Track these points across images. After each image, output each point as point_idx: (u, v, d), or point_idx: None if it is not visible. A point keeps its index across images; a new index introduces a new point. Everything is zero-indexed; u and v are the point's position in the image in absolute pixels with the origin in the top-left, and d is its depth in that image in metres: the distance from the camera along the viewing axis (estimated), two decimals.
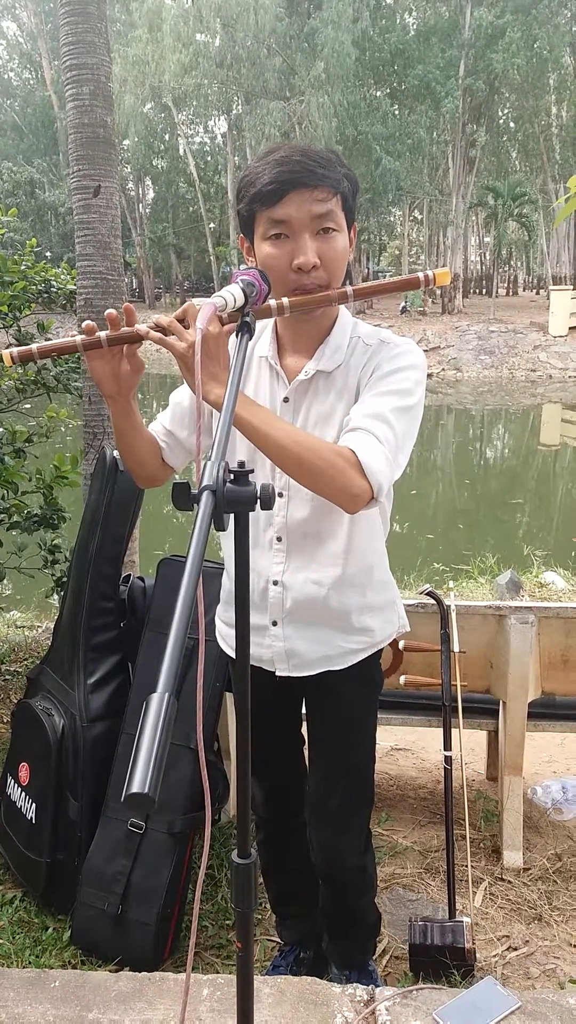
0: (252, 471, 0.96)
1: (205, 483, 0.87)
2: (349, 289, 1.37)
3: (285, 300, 1.35)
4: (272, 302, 1.34)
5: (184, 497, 0.89)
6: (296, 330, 1.55)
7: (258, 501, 0.95)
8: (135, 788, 0.58)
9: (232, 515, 1.01)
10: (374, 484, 1.34)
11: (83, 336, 1.31)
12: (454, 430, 19.54)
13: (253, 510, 0.95)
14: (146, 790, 0.58)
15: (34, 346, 1.32)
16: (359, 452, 1.34)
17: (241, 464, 0.97)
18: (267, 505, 0.95)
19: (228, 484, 0.92)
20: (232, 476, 0.94)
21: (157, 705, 0.64)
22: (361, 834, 1.87)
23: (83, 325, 1.32)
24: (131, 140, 38.22)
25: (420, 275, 1.34)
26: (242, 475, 0.95)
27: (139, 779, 0.59)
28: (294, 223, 1.38)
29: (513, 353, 27.92)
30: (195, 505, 0.87)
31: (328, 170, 1.38)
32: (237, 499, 0.93)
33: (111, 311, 1.31)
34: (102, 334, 1.31)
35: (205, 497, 0.86)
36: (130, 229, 40.97)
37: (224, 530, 0.90)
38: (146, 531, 3.84)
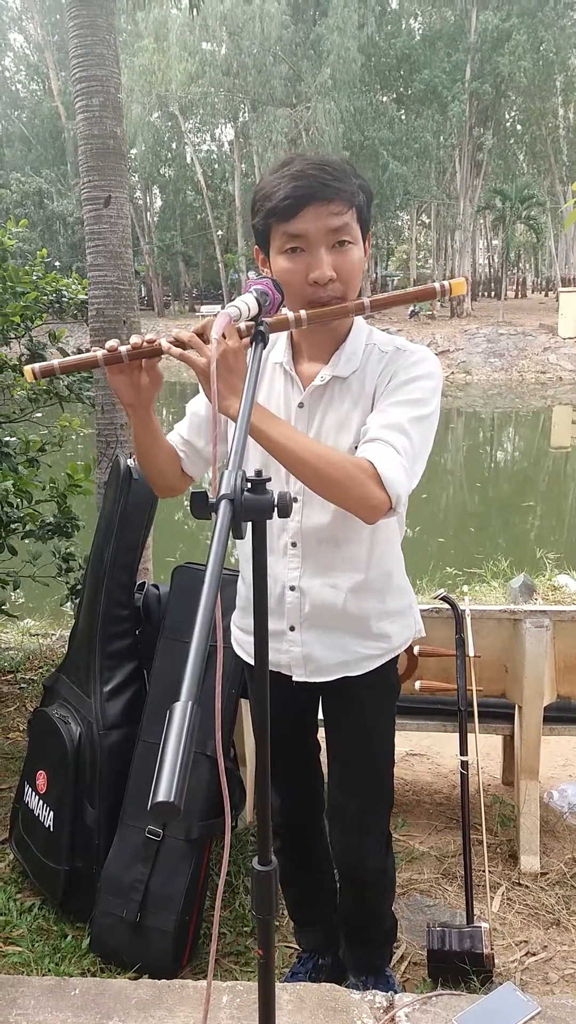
0: (269, 479, 0.97)
1: (223, 492, 0.88)
2: (366, 300, 1.38)
3: (303, 313, 1.36)
4: (290, 315, 1.35)
5: (202, 506, 0.90)
6: (312, 337, 1.55)
7: (275, 509, 0.95)
8: (161, 797, 0.59)
9: (250, 523, 1.01)
10: (392, 495, 1.35)
11: (104, 351, 1.32)
12: (464, 433, 19.52)
13: (271, 518, 0.95)
14: (171, 799, 0.59)
15: (56, 362, 1.33)
16: (377, 463, 1.35)
17: (258, 473, 0.97)
18: (284, 513, 0.96)
19: (245, 493, 0.92)
20: (249, 485, 0.94)
21: (181, 713, 0.65)
22: (381, 836, 1.87)
23: (107, 344, 1.33)
24: (138, 149, 38.45)
25: (436, 285, 1.35)
26: (259, 484, 0.95)
27: (164, 788, 0.59)
28: (310, 237, 1.39)
29: (523, 356, 27.88)
30: (213, 514, 0.88)
31: (343, 183, 1.39)
32: (255, 507, 0.94)
33: (136, 339, 1.33)
34: (122, 348, 1.32)
35: (223, 506, 0.87)
36: (138, 238, 41.18)
37: (242, 538, 0.91)
38: (157, 539, 3.86)
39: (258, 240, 1.49)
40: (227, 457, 1.41)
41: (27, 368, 1.33)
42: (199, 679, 0.69)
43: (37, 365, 1.34)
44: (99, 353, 1.32)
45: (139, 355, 1.33)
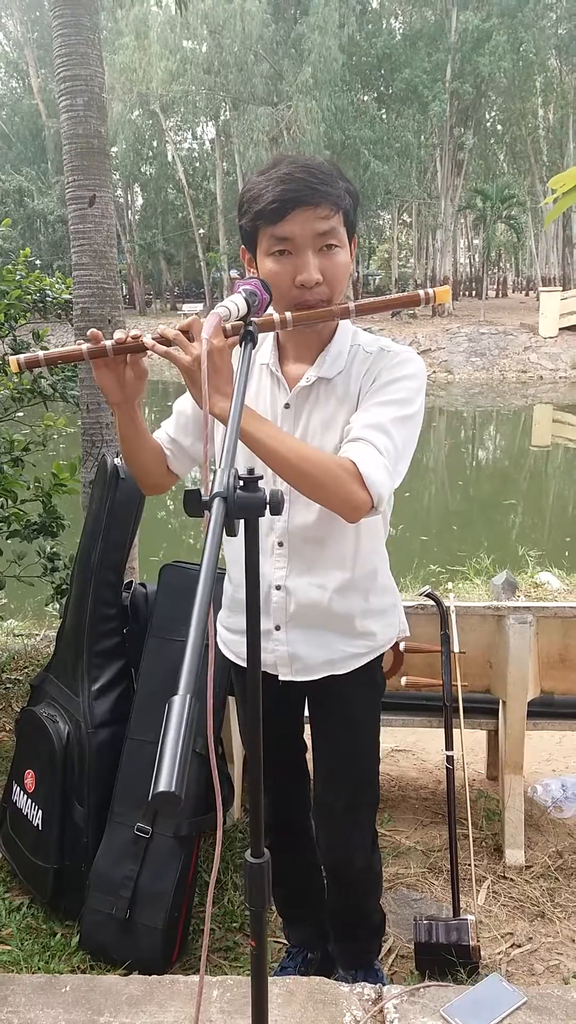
0: (261, 477, 0.99)
1: (216, 490, 0.89)
2: (351, 305, 1.39)
3: (288, 315, 1.37)
4: (276, 316, 1.36)
5: (195, 504, 0.92)
6: (298, 338, 1.57)
7: (267, 507, 0.97)
8: (162, 787, 0.60)
9: (242, 521, 1.03)
10: (374, 494, 1.37)
11: (89, 344, 1.33)
12: (446, 432, 19.59)
13: (263, 515, 0.97)
14: (172, 788, 0.60)
15: (41, 353, 1.34)
16: (359, 463, 1.37)
17: (249, 471, 0.99)
18: (276, 511, 0.97)
19: (238, 491, 0.94)
20: (242, 483, 0.96)
21: (179, 706, 0.66)
22: (368, 834, 1.89)
23: (89, 333, 1.34)
24: (119, 147, 38.25)
25: (421, 293, 1.38)
26: (251, 481, 0.97)
27: (165, 778, 0.61)
28: (297, 240, 1.41)
29: (504, 355, 28.01)
30: (206, 512, 0.89)
31: (331, 187, 1.40)
32: (247, 505, 0.95)
33: (120, 334, 1.34)
34: (107, 343, 1.33)
35: (217, 504, 0.88)
36: (119, 236, 40.93)
37: (235, 535, 0.92)
38: (140, 538, 3.86)
39: (245, 240, 1.50)
40: (213, 456, 1.42)
41: (12, 359, 1.34)
42: (196, 673, 0.70)
43: (23, 356, 1.34)
44: (84, 346, 1.33)
45: (124, 350, 1.34)
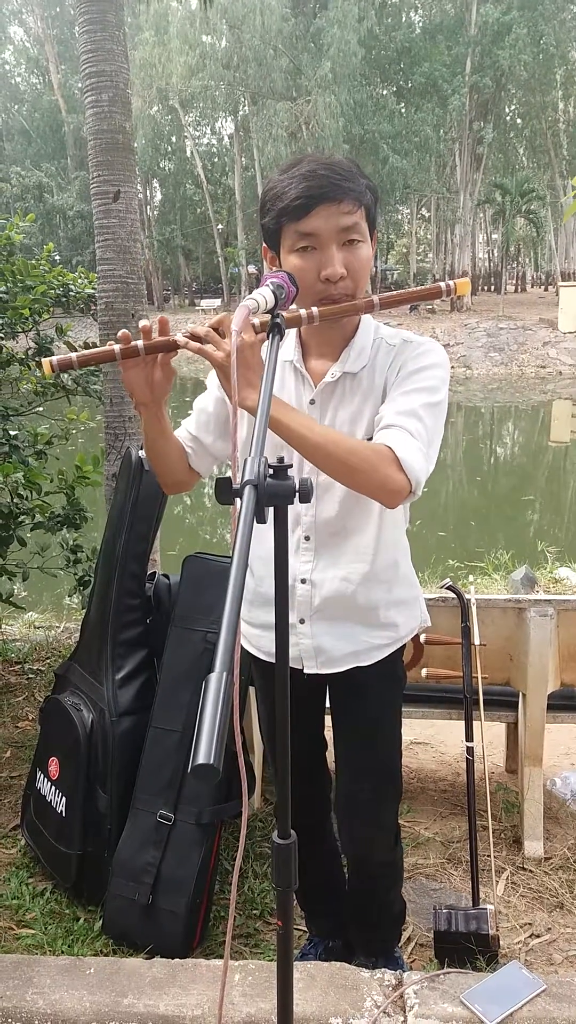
0: (291, 465, 1.00)
1: (247, 478, 0.91)
2: (376, 298, 1.41)
3: (315, 310, 1.39)
4: (302, 312, 1.38)
5: (226, 492, 0.94)
6: (321, 335, 1.58)
7: (297, 494, 0.98)
8: (201, 759, 0.62)
9: (272, 509, 1.05)
10: (412, 478, 1.38)
11: (120, 345, 1.35)
12: (464, 427, 19.55)
13: (292, 503, 0.99)
14: (211, 761, 0.62)
15: (74, 355, 1.36)
16: (396, 448, 1.38)
17: (279, 460, 1.01)
18: (306, 498, 0.99)
19: (268, 479, 0.96)
20: (272, 471, 0.98)
21: (216, 683, 0.68)
22: (391, 828, 1.90)
23: (120, 334, 1.36)
24: (138, 143, 38.34)
25: (442, 285, 1.38)
26: (281, 470, 0.99)
27: (204, 750, 0.63)
28: (321, 236, 1.42)
29: (522, 350, 27.88)
30: (237, 499, 0.91)
31: (353, 183, 1.42)
32: (277, 493, 0.97)
33: (145, 323, 1.36)
34: (139, 343, 1.34)
35: (247, 491, 0.90)
36: (140, 231, 41.11)
37: (264, 522, 0.94)
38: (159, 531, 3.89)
39: (267, 239, 1.52)
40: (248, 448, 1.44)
41: (45, 361, 1.35)
42: (231, 652, 0.72)
43: (55, 358, 1.35)
44: (116, 347, 1.35)
45: (155, 349, 1.36)
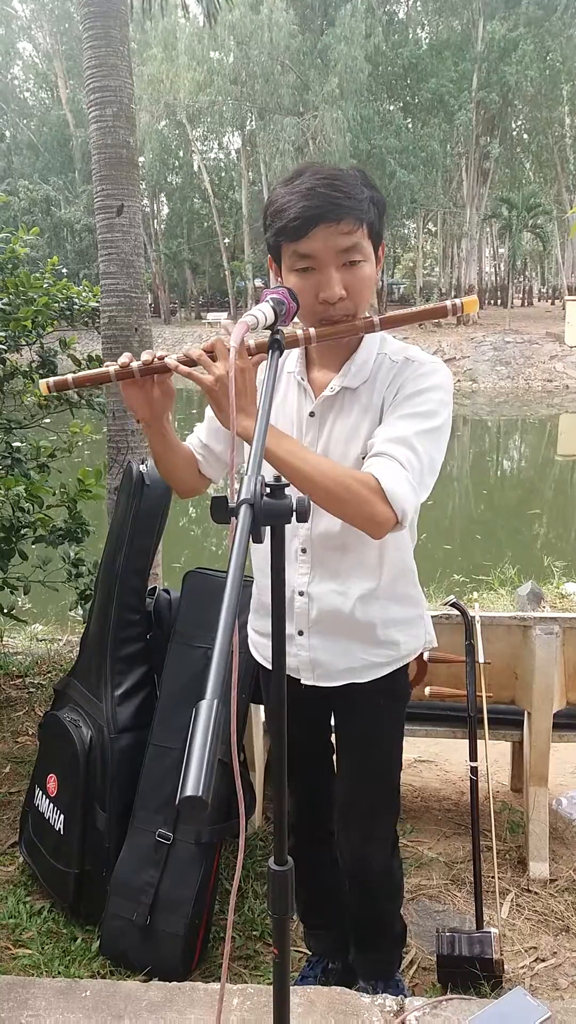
0: (288, 484, 0.99)
1: (243, 497, 0.89)
2: (376, 319, 1.39)
3: (312, 331, 1.38)
4: (300, 332, 1.37)
5: (222, 511, 0.92)
6: (324, 347, 1.57)
7: (294, 514, 0.97)
8: (189, 791, 0.60)
9: (268, 528, 1.03)
10: (398, 510, 1.36)
11: (116, 366, 1.36)
12: (470, 441, 19.53)
13: (289, 522, 0.97)
14: (200, 793, 0.60)
15: (69, 376, 1.37)
16: (382, 479, 1.36)
17: (276, 478, 0.99)
18: (303, 517, 0.97)
19: (265, 498, 0.94)
20: (268, 490, 0.96)
21: (207, 711, 0.66)
22: (387, 839, 1.88)
23: (120, 359, 1.37)
24: (146, 157, 38.64)
25: (448, 303, 1.35)
26: (278, 488, 0.97)
27: (192, 782, 0.61)
28: (320, 257, 1.40)
29: (529, 364, 27.89)
30: (233, 518, 0.89)
31: (353, 200, 1.39)
32: (274, 512, 0.95)
33: (146, 356, 1.36)
34: (134, 364, 1.35)
35: (243, 510, 0.88)
36: (145, 245, 41.28)
37: (261, 542, 0.92)
38: (162, 544, 3.88)
39: (271, 253, 1.51)
40: (240, 467, 1.43)
41: (42, 382, 1.36)
42: (224, 678, 0.70)
43: (52, 379, 1.37)
44: (112, 368, 1.36)
45: (150, 371, 1.36)
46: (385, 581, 1.63)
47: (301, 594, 1.62)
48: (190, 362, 1.31)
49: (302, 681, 1.68)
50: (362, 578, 1.61)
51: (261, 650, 1.78)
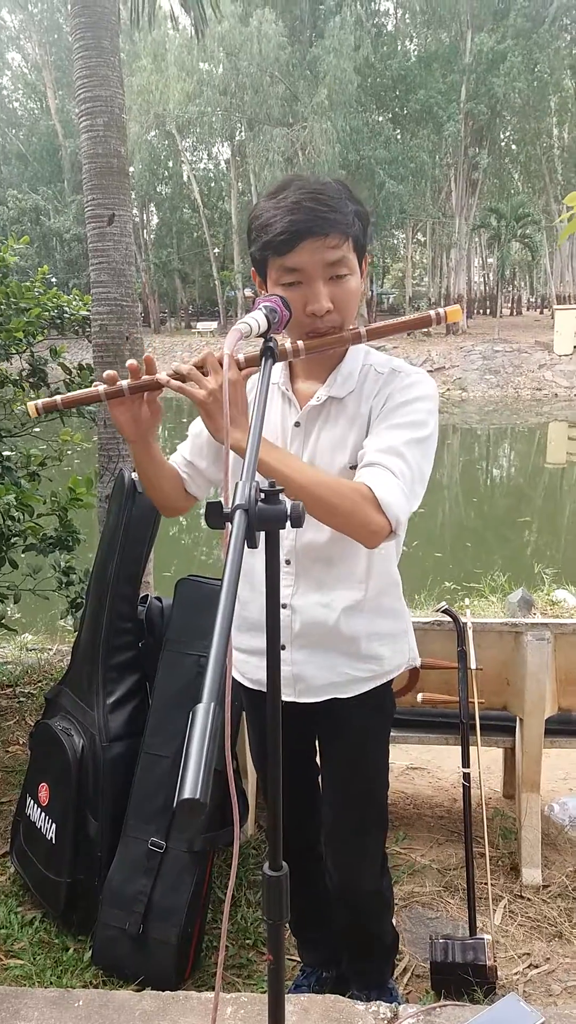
0: (283, 490, 0.99)
1: (238, 502, 0.90)
2: (362, 330, 1.40)
3: (300, 344, 1.38)
4: (288, 346, 1.37)
5: (217, 516, 0.92)
6: (309, 358, 1.57)
7: (288, 519, 0.97)
8: (187, 794, 0.60)
9: (263, 533, 1.03)
10: (391, 519, 1.37)
11: (105, 386, 1.36)
12: (460, 449, 19.59)
13: (284, 527, 0.97)
14: (197, 795, 0.60)
15: (58, 397, 1.37)
16: (375, 488, 1.36)
17: (271, 484, 0.99)
18: (298, 523, 0.97)
19: (259, 503, 0.94)
20: (263, 495, 0.96)
21: (203, 715, 0.66)
22: (376, 858, 1.86)
23: (105, 375, 1.37)
24: (136, 167, 38.73)
25: (432, 313, 1.36)
26: (272, 494, 0.97)
27: (190, 785, 0.61)
28: (307, 271, 1.41)
29: (518, 372, 28.03)
30: (227, 524, 0.90)
31: (339, 214, 1.40)
32: (269, 517, 0.95)
33: (132, 362, 1.37)
34: (124, 383, 1.36)
35: (238, 516, 0.88)
36: (135, 255, 41.38)
37: (255, 547, 0.93)
38: (153, 552, 3.88)
39: (256, 267, 1.51)
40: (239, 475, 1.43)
41: (30, 404, 1.37)
42: (220, 682, 0.70)
43: (41, 401, 1.37)
44: (101, 388, 1.36)
45: (140, 388, 1.37)
46: (371, 593, 1.61)
47: (284, 606, 1.60)
48: (181, 377, 1.31)
49: (283, 698, 1.66)
50: (346, 590, 1.60)
51: (239, 667, 1.73)
